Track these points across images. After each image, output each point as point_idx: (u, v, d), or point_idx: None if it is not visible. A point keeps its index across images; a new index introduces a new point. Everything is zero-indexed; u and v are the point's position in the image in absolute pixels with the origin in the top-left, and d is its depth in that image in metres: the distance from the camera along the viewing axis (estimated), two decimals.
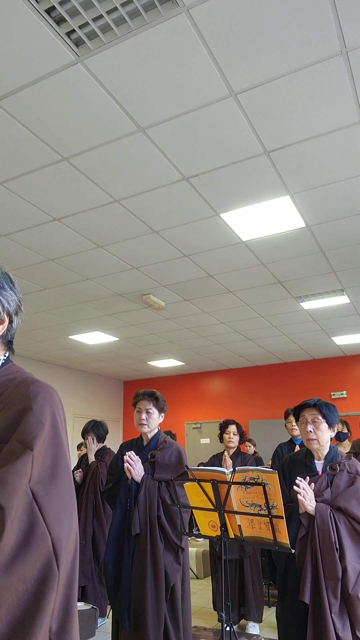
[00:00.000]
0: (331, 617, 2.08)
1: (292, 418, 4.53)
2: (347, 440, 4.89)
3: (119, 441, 9.86)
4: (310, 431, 2.43)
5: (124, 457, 2.80)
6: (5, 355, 1.13)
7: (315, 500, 2.29)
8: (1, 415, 0.98)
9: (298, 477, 2.33)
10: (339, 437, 4.63)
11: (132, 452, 2.84)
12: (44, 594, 0.84)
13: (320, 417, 2.44)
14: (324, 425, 2.44)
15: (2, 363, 1.11)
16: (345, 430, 4.88)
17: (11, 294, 1.11)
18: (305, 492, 2.27)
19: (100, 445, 4.39)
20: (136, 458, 2.81)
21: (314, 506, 2.26)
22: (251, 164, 3.14)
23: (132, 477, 2.76)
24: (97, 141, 2.90)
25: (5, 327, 1.11)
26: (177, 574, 2.67)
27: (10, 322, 1.12)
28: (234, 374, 9.56)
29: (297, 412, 2.55)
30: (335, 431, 2.50)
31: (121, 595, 2.62)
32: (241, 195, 3.49)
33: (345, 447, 4.86)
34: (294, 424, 4.53)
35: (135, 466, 2.77)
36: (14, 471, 0.88)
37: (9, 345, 1.14)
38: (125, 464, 2.77)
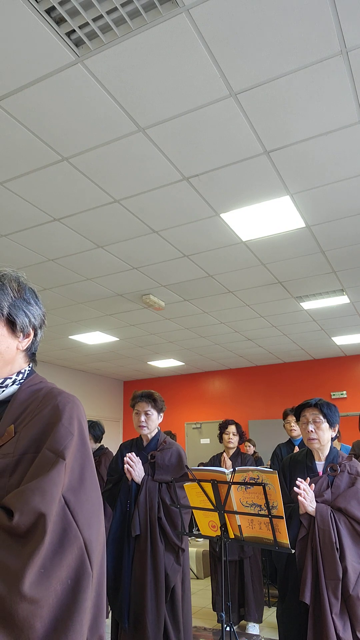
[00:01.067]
0: (332, 617, 2.07)
1: (290, 418, 4.53)
2: (336, 440, 4.88)
3: (119, 441, 9.85)
4: (311, 431, 2.43)
5: (125, 458, 2.79)
6: (29, 367, 1.19)
7: (316, 501, 2.29)
8: (30, 424, 1.04)
9: (298, 479, 2.33)
10: None
11: (133, 453, 2.82)
12: (81, 592, 0.90)
13: (321, 417, 2.44)
14: (325, 425, 2.44)
15: (28, 374, 1.17)
16: None
17: (36, 308, 1.17)
18: (306, 493, 2.26)
19: (97, 445, 4.39)
20: (136, 459, 2.79)
21: (314, 507, 2.26)
22: (251, 164, 3.14)
23: (132, 479, 2.76)
24: (97, 141, 2.90)
25: (30, 341, 1.17)
26: (178, 575, 2.67)
27: (35, 335, 1.18)
28: (234, 374, 9.56)
29: (298, 411, 2.55)
30: (336, 431, 2.49)
31: (121, 596, 2.61)
32: (241, 195, 3.49)
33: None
34: (292, 424, 4.52)
35: (135, 467, 2.76)
36: (50, 480, 0.94)
37: (32, 357, 1.21)
38: (126, 466, 2.76)
